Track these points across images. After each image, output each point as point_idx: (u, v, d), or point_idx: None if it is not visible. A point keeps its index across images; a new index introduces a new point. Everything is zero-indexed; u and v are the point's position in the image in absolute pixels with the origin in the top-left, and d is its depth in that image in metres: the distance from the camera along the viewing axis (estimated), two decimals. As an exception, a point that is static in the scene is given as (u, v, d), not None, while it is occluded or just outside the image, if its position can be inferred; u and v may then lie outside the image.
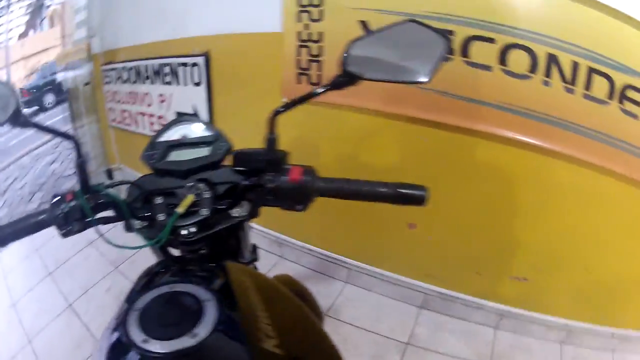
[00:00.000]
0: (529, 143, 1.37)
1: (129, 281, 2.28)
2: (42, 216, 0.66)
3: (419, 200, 0.64)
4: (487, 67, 1.31)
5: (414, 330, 1.80)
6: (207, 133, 0.78)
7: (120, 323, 0.54)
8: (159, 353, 0.49)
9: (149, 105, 2.43)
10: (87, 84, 3.02)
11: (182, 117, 0.82)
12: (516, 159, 1.44)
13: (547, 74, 1.25)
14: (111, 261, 2.40)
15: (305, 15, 1.58)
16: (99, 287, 2.26)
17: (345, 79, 0.60)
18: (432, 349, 1.72)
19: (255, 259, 1.01)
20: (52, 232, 0.69)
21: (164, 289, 0.58)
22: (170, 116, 2.31)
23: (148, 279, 0.69)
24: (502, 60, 1.29)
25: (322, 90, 0.64)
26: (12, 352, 1.91)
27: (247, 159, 0.72)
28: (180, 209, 0.65)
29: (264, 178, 0.67)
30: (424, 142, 1.57)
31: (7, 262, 2.74)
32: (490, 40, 1.27)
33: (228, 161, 0.75)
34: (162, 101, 2.32)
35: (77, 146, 0.69)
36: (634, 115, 1.26)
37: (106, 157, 3.12)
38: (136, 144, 2.74)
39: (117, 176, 3.07)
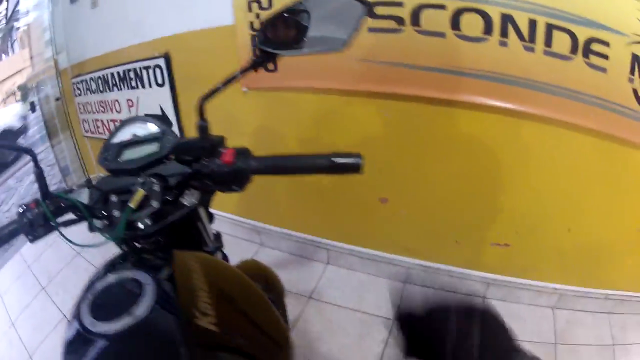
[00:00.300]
0: (494, 106, 1.37)
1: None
2: (12, 226, 0.70)
3: (354, 168, 0.64)
4: (440, 34, 1.31)
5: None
6: (154, 130, 0.81)
7: (76, 311, 0.58)
8: (102, 333, 0.53)
9: (119, 111, 2.43)
10: (57, 99, 3.01)
11: (132, 117, 0.85)
12: (484, 123, 1.44)
13: (504, 34, 1.25)
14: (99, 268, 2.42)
15: (255, 4, 1.59)
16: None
17: (262, 57, 0.63)
18: None
19: (219, 247, 1.03)
20: (41, 248, 0.73)
21: (113, 277, 0.62)
22: (139, 120, 2.31)
23: (106, 271, 0.72)
24: (455, 26, 1.29)
25: (242, 71, 0.66)
26: None
27: (186, 149, 0.74)
28: (132, 204, 0.68)
29: (201, 164, 0.70)
30: (386, 117, 1.58)
31: (1, 284, 2.75)
32: (441, 6, 1.27)
33: None
34: (131, 106, 2.32)
35: (34, 157, 0.73)
36: (602, 69, 1.23)
37: (86, 169, 3.11)
38: (111, 152, 2.73)
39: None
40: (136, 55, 2.17)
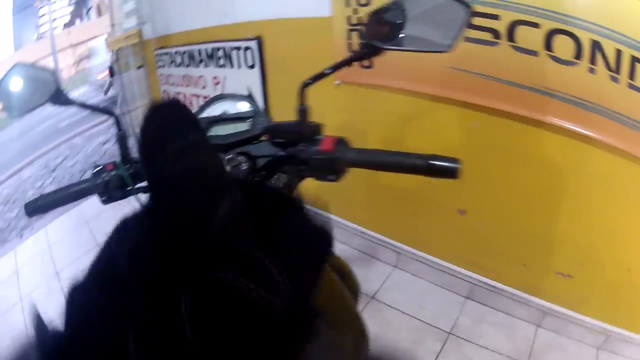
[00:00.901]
0: (577, 132, 1.32)
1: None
2: (84, 185, 0.71)
3: (451, 173, 0.60)
4: (533, 52, 1.28)
5: (457, 320, 1.79)
6: (246, 109, 0.81)
7: None
8: None
9: (203, 87, 2.51)
10: (139, 67, 3.13)
11: (222, 94, 0.85)
12: (565, 148, 1.39)
13: (593, 60, 1.21)
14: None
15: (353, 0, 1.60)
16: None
17: (367, 49, 0.60)
18: (473, 340, 1.69)
19: None
20: (103, 206, 0.75)
21: None
22: (224, 99, 2.36)
23: None
24: (548, 46, 1.25)
25: (346, 61, 0.64)
26: (49, 317, 2.01)
27: (282, 131, 0.73)
28: None
29: (297, 149, 0.68)
30: (475, 127, 1.55)
31: (53, 234, 2.88)
32: (535, 25, 1.24)
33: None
34: (217, 83, 2.38)
35: (117, 120, 0.74)
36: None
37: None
38: (189, 125, 2.82)
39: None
40: (226, 35, 2.22)
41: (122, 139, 0.72)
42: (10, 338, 1.95)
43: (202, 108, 0.82)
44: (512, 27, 1.31)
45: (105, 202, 0.71)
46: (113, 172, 0.70)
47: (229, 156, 0.73)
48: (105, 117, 0.82)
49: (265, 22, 2.01)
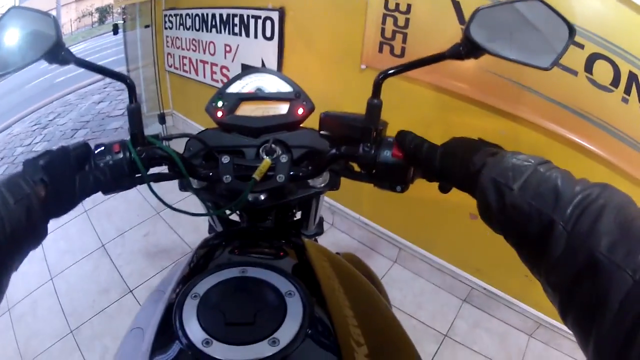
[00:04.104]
0: (603, 157, 1.29)
1: (170, 228, 2.28)
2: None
3: None
4: (573, 72, 1.24)
5: (454, 323, 1.77)
6: (286, 89, 0.68)
7: (175, 311, 0.42)
8: None
9: (212, 54, 2.39)
10: (146, 26, 2.99)
11: (256, 68, 0.73)
12: (584, 167, 1.35)
13: (627, 91, 1.18)
14: (153, 206, 2.39)
15: (393, -16, 1.50)
16: (136, 230, 2.25)
17: (466, 49, 0.51)
18: (467, 345, 1.69)
19: (319, 233, 0.95)
20: None
21: (233, 272, 0.47)
22: (235, 67, 2.26)
23: (207, 254, 0.60)
24: (588, 68, 1.22)
25: (438, 57, 0.53)
26: (30, 287, 1.91)
27: (338, 123, 0.63)
28: (257, 175, 0.57)
29: (362, 149, 0.57)
30: (501, 135, 1.48)
31: None
32: (580, 46, 1.20)
33: (305, 123, 0.68)
34: (228, 51, 2.26)
35: (131, 89, 0.57)
36: None
37: (159, 102, 3.10)
38: (192, 91, 2.73)
39: (169, 121, 3.06)
40: (245, 1, 2.10)
41: (134, 113, 0.56)
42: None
43: (232, 81, 0.70)
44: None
45: (106, 192, 0.56)
46: (120, 155, 0.55)
47: (262, 142, 0.63)
48: (101, 76, 0.65)
49: (289, -7, 1.90)
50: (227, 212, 0.62)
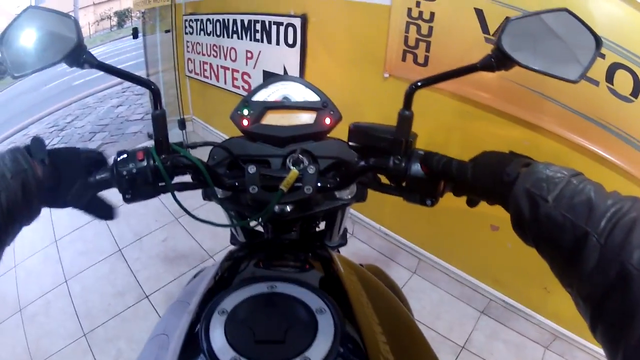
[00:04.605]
0: (623, 168, 1.27)
1: (189, 234, 2.27)
2: (103, 175, 0.54)
3: None
4: (595, 82, 1.23)
5: (471, 335, 1.75)
6: (313, 98, 0.67)
7: (201, 327, 0.41)
8: None
9: (234, 60, 2.40)
10: (167, 31, 3.03)
11: (282, 76, 0.72)
12: (603, 177, 1.31)
13: None
14: (172, 211, 2.39)
15: (417, -8, 1.49)
16: (154, 236, 2.25)
17: (498, 60, 0.50)
18: (484, 357, 1.67)
19: (343, 244, 0.94)
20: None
21: (261, 288, 0.46)
22: (257, 74, 2.27)
23: (232, 267, 0.59)
24: (609, 78, 1.20)
25: (469, 68, 0.52)
26: (45, 289, 1.91)
27: (368, 134, 0.62)
28: (284, 186, 0.56)
29: (392, 161, 0.56)
30: (524, 145, 1.46)
31: None
32: (601, 55, 1.18)
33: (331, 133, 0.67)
34: (249, 58, 2.27)
35: (156, 95, 0.55)
36: None
37: (179, 107, 3.13)
38: (213, 97, 2.74)
39: (189, 127, 3.08)
40: (267, 7, 2.11)
41: (159, 119, 0.55)
42: None
43: (258, 88, 0.69)
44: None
45: (129, 200, 0.55)
46: (144, 163, 0.54)
47: (289, 152, 0.63)
48: (120, 79, 0.62)
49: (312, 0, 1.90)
50: (252, 224, 0.62)
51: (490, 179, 0.49)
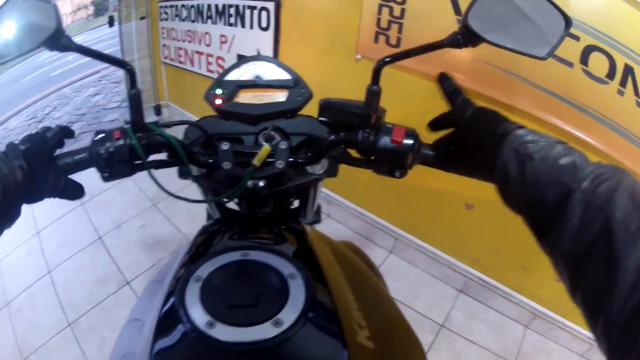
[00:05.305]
0: (598, 149, 1.30)
1: (167, 219, 2.28)
2: (81, 155, 0.57)
3: None
4: (569, 63, 1.24)
5: (450, 313, 1.78)
6: (284, 76, 0.69)
7: (177, 295, 0.42)
8: (229, 343, 0.37)
9: (208, 45, 2.37)
10: (142, 17, 2.97)
11: (255, 56, 0.72)
12: None
13: (623, 83, 1.19)
14: (149, 197, 2.38)
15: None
16: (133, 222, 2.24)
17: (465, 37, 0.51)
18: (464, 335, 1.70)
19: (317, 221, 0.95)
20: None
21: (234, 256, 0.48)
22: (231, 58, 2.24)
23: (206, 240, 0.60)
24: (584, 60, 1.22)
25: (436, 44, 0.53)
26: (29, 281, 1.90)
27: (337, 110, 0.63)
28: (256, 161, 0.58)
29: (361, 135, 0.58)
30: None
31: None
32: (576, 37, 1.20)
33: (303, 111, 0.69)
34: (224, 42, 2.24)
35: (132, 75, 0.57)
36: None
37: (155, 94, 3.09)
38: (188, 83, 2.71)
39: (165, 113, 3.05)
40: (240, -8, 2.08)
41: (134, 99, 0.56)
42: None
43: (231, 68, 0.70)
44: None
45: (107, 178, 0.57)
46: (120, 142, 0.55)
47: (261, 129, 0.64)
48: (96, 68, 0.64)
49: (284, -18, 1.88)
50: (226, 199, 0.63)
51: (486, 128, 0.50)
